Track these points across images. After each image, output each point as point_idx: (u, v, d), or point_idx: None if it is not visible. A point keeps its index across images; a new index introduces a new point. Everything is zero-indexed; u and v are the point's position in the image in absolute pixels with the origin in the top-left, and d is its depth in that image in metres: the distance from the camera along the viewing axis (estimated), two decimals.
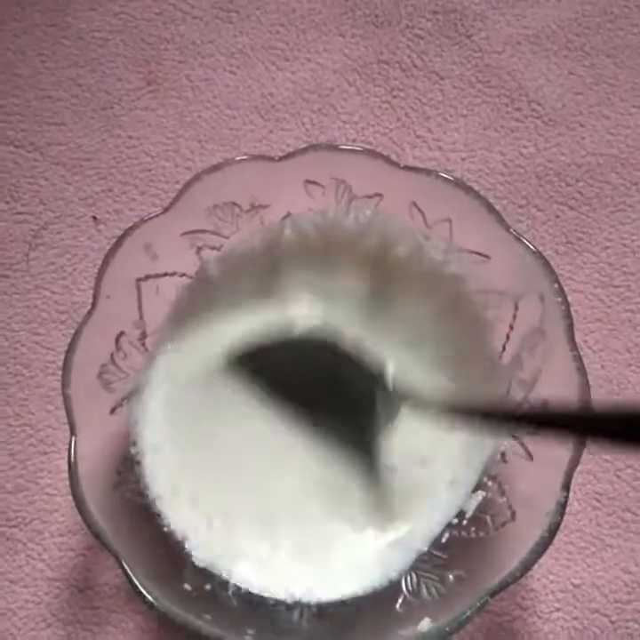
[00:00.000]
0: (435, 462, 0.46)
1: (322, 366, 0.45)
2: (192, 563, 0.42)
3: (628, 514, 0.49)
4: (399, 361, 0.46)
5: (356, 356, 0.44)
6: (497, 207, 0.42)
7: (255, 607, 0.42)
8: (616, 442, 0.28)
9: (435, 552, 0.43)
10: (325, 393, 0.45)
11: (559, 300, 0.41)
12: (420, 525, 0.44)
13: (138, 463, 0.43)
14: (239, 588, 0.42)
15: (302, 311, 0.48)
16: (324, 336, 0.45)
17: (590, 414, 0.32)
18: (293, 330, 0.46)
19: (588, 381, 0.40)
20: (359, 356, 0.44)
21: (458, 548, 0.43)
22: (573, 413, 0.33)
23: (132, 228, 0.41)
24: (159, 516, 0.43)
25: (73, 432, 0.39)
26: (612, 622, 0.48)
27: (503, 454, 0.43)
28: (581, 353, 0.40)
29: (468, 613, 0.38)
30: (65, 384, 0.39)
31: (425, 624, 0.39)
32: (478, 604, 0.38)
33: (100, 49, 0.56)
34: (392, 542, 0.44)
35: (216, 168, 0.42)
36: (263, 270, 0.47)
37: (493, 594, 0.38)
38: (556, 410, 0.35)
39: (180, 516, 0.43)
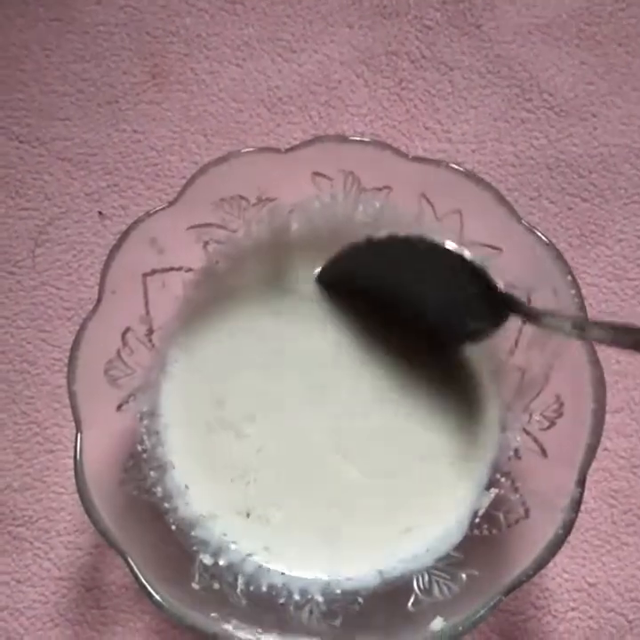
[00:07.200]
0: (440, 457, 0.45)
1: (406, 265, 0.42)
2: (201, 561, 0.42)
3: None
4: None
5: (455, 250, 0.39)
6: (508, 199, 0.41)
7: (264, 606, 0.42)
8: None
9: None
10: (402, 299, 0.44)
11: (573, 292, 0.40)
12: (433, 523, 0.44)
13: (145, 460, 0.43)
14: (248, 587, 0.42)
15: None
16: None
17: None
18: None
19: (603, 375, 0.39)
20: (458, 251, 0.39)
21: (470, 546, 0.42)
22: None
23: (137, 222, 0.41)
24: (167, 513, 0.42)
25: (79, 429, 0.39)
26: (629, 621, 0.47)
27: (517, 450, 0.43)
28: (596, 347, 0.40)
29: (482, 612, 0.37)
30: (70, 380, 0.39)
31: (437, 623, 0.38)
32: (491, 603, 0.37)
33: (105, 43, 0.55)
34: (407, 539, 0.44)
35: (222, 160, 0.41)
36: (271, 263, 0.47)
37: (507, 593, 0.37)
38: None
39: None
